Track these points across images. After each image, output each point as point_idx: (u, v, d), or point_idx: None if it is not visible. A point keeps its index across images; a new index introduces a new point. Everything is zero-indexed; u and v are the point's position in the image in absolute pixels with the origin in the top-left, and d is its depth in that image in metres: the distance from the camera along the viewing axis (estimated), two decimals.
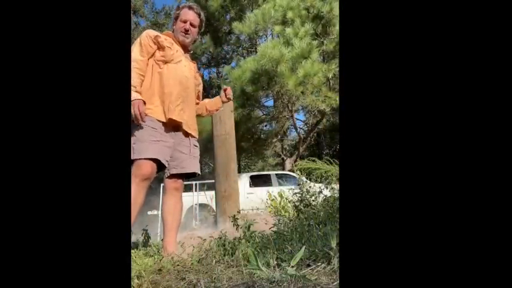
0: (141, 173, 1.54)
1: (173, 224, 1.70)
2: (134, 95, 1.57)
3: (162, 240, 1.74)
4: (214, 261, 1.18)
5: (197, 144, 1.85)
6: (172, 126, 1.70)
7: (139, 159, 1.55)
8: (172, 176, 1.74)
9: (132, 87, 1.57)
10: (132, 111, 1.53)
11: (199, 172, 1.82)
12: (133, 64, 1.64)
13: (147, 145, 1.58)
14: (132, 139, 1.59)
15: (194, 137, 1.83)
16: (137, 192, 1.53)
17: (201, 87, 1.99)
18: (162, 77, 1.68)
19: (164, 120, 1.65)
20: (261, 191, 5.67)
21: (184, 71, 1.76)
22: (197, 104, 1.97)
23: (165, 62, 1.71)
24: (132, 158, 1.55)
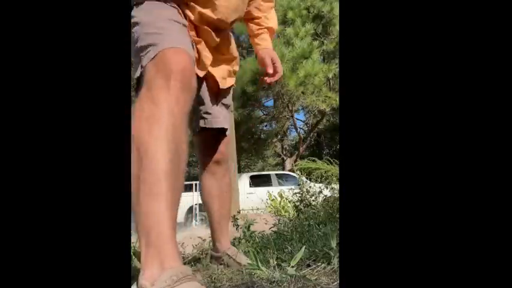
0: (173, 68, 0.74)
1: (222, 211, 1.21)
2: None
3: (210, 236, 1.26)
4: (214, 261, 1.18)
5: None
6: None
7: (163, 50, 0.78)
8: (207, 138, 1.15)
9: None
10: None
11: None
12: None
13: (174, 35, 0.84)
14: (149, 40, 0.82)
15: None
16: (174, 104, 0.71)
17: None
18: None
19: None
20: (261, 191, 5.67)
21: None
22: None
23: None
24: (151, 57, 0.78)
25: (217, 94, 1.12)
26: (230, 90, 1.17)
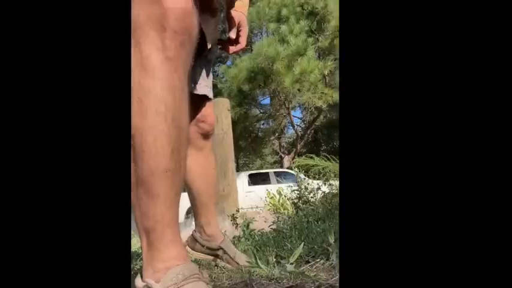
0: (167, 10, 0.54)
1: (210, 192, 1.06)
2: None
3: (196, 222, 1.12)
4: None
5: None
6: None
7: None
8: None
9: None
10: None
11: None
12: None
13: None
14: None
15: None
16: (173, 70, 0.55)
17: None
18: None
19: None
20: (260, 189, 5.68)
21: None
22: None
23: None
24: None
25: (200, 54, 0.90)
26: (215, 44, 1.03)
